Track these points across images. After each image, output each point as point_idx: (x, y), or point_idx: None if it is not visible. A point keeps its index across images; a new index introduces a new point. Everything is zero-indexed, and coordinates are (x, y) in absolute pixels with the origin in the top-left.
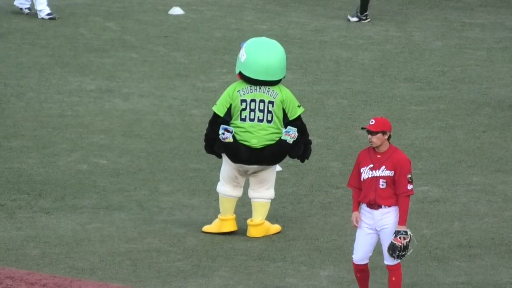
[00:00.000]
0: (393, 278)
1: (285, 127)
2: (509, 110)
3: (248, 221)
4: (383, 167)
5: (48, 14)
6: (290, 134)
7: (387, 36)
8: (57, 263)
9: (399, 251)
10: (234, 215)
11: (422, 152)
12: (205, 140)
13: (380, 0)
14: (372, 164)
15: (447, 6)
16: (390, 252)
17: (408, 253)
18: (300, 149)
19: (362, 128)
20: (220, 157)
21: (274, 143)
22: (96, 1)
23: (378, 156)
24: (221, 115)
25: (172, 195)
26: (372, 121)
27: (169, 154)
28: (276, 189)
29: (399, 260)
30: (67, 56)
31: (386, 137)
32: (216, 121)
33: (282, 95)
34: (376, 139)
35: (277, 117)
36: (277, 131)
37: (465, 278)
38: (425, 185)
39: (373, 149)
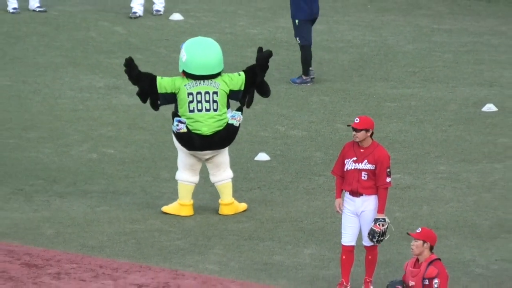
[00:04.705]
0: (370, 257)
1: (243, 103)
2: (472, 107)
3: (220, 201)
4: (366, 161)
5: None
6: (236, 118)
7: (365, 40)
8: (69, 241)
9: (378, 236)
10: (192, 201)
11: (395, 144)
12: (139, 94)
13: (358, 8)
14: (356, 157)
15: (418, 13)
16: (370, 237)
17: (385, 238)
18: (267, 87)
19: (348, 125)
20: (145, 102)
21: (222, 129)
22: (106, 8)
23: (362, 150)
24: (158, 90)
25: (172, 182)
26: (357, 120)
27: (170, 145)
28: (264, 176)
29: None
30: (79, 57)
31: (369, 134)
32: (151, 79)
33: (224, 83)
34: (360, 135)
35: (222, 104)
36: (223, 117)
37: None
38: (397, 173)
39: (357, 144)
